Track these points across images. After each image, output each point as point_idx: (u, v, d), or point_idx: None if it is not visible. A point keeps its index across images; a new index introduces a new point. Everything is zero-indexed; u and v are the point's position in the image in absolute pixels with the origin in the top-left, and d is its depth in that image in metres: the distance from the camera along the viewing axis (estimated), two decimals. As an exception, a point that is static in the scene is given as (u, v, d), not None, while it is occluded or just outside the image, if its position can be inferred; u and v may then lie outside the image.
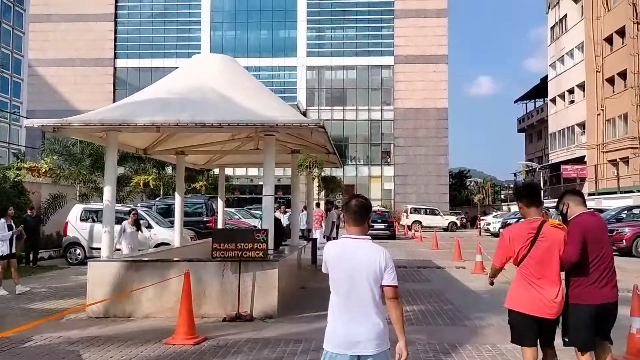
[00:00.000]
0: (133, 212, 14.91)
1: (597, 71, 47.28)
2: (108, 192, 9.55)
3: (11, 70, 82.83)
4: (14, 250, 12.45)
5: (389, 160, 55.54)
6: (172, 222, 15.71)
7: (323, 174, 14.72)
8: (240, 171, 51.99)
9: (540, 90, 63.96)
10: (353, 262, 3.53)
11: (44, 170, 19.74)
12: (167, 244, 16.26)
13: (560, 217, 4.88)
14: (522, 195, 4.66)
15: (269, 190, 9.42)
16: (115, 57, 57.00)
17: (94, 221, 18.51)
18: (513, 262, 4.62)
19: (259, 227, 10.50)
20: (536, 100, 70.05)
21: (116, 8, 57.26)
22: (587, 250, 4.57)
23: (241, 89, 9.83)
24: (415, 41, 53.36)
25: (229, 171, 47.38)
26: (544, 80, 60.58)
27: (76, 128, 9.14)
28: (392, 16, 54.18)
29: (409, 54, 53.52)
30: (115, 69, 56.89)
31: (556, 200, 5.09)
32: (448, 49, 53.68)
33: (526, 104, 72.53)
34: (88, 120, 9.04)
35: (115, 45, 57.07)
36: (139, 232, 14.56)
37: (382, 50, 54.57)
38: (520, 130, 74.85)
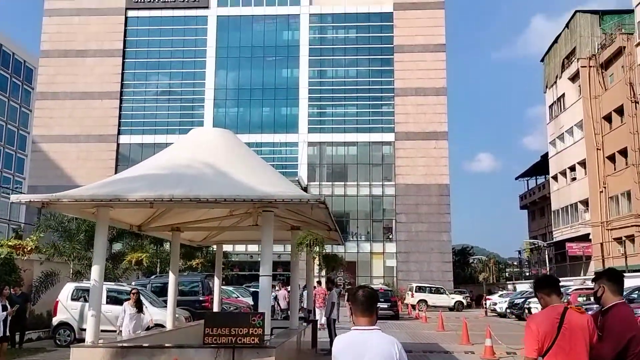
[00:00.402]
0: (134, 291, 14.16)
1: (597, 149, 47.51)
2: (96, 271, 9.00)
3: (15, 147, 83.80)
4: (7, 333, 11.72)
5: (390, 236, 54.88)
6: (166, 302, 14.99)
7: (324, 252, 14.23)
8: (240, 247, 51.29)
9: (541, 167, 64.15)
10: (364, 356, 3.34)
11: (29, 248, 19.04)
12: (162, 325, 15.46)
13: (593, 299, 4.51)
14: (544, 285, 4.45)
15: (266, 270, 8.88)
16: (118, 134, 57.58)
17: (85, 300, 17.73)
18: (538, 353, 4.19)
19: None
20: (537, 177, 70.21)
21: (122, 86, 58.43)
22: (624, 347, 4.16)
23: (239, 163, 9.49)
24: (416, 118, 54.04)
25: (228, 247, 47.04)
26: (545, 158, 60.87)
27: (66, 204, 8.74)
28: (393, 94, 55.12)
29: (409, 130, 54.07)
30: (118, 145, 57.33)
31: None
32: (448, 125, 54.32)
33: (527, 180, 72.65)
34: (78, 196, 8.64)
35: (119, 122, 57.79)
36: (141, 313, 13.78)
37: (382, 127, 55.16)
38: (522, 207, 74.58)
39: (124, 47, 59.05)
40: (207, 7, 58.65)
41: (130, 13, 59.54)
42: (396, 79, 55.05)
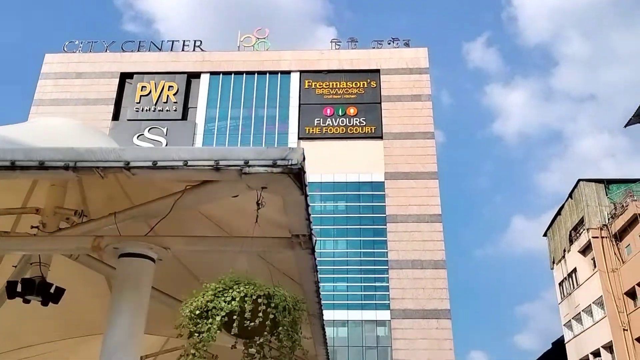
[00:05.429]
0: None
1: (624, 329, 41.34)
2: None
3: None
4: None
5: None
6: None
7: None
8: None
9: (553, 356, 57.03)
10: None
11: None
12: None
13: None
14: None
15: None
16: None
17: None
18: None
19: None
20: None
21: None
22: None
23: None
24: (414, 294, 47.97)
25: None
26: (557, 345, 54.26)
27: None
28: (387, 267, 49.68)
29: (406, 308, 47.62)
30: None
31: None
32: (450, 302, 48.22)
33: (538, 373, 64.71)
34: None
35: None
36: None
37: (376, 303, 48.78)
38: (537, 407, 65.28)
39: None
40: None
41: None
42: (390, 250, 50.13)
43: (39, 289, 5.10)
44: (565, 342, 49.88)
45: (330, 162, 53.95)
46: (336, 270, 49.88)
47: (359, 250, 51.19)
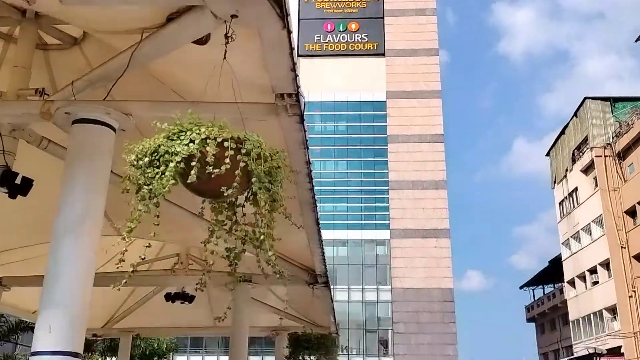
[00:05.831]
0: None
1: (622, 247, 41.59)
2: None
3: None
4: None
5: (387, 350, 47.04)
6: None
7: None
8: None
9: (550, 273, 57.98)
10: None
11: None
12: None
13: None
14: None
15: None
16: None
17: None
18: None
19: None
20: (545, 285, 63.91)
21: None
22: None
23: None
24: (414, 214, 48.23)
25: None
26: (554, 264, 54.86)
27: None
28: (387, 187, 49.68)
29: (406, 227, 48.04)
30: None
31: None
32: (450, 222, 48.49)
33: (533, 290, 66.13)
34: None
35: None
36: None
37: (376, 223, 49.17)
38: (529, 320, 67.08)
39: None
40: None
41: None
42: (391, 170, 49.87)
43: (3, 179, 4.67)
44: (563, 259, 50.42)
45: (330, 80, 52.84)
46: (336, 191, 49.88)
47: (360, 171, 50.97)
